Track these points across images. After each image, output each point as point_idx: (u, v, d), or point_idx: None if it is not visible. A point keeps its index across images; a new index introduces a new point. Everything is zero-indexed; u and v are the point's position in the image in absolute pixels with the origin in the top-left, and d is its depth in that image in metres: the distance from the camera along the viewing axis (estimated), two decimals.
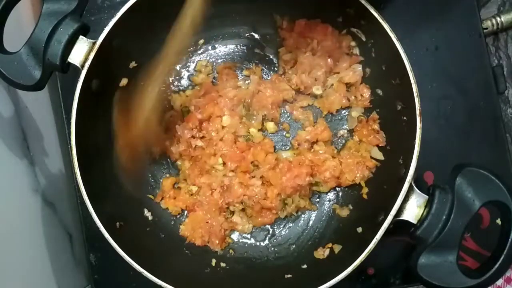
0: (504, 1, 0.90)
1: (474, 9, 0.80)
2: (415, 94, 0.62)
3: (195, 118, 0.76)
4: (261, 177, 0.75)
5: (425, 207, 0.59)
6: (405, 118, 0.67)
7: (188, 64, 0.81)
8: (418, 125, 0.61)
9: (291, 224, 0.78)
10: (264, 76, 0.80)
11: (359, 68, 0.76)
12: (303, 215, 0.78)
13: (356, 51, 0.76)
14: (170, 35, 0.63)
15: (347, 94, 0.77)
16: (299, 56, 0.77)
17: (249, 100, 0.78)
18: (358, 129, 0.77)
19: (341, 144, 0.78)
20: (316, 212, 0.78)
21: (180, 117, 0.78)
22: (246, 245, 0.78)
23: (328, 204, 0.78)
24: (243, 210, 0.77)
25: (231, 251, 0.77)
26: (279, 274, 0.72)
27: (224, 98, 0.77)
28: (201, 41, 0.80)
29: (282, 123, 0.79)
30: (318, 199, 0.78)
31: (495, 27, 0.85)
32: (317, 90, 0.77)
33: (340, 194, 0.78)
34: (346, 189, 0.77)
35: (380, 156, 0.74)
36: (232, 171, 0.76)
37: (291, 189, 0.74)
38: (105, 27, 0.65)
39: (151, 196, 0.78)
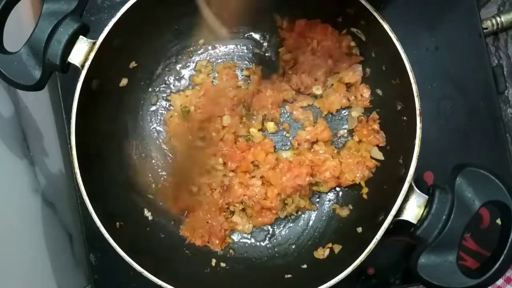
0: (504, 1, 0.90)
1: (474, 9, 0.80)
2: (415, 94, 0.62)
3: (195, 119, 0.76)
4: (261, 177, 0.75)
5: (425, 207, 0.59)
6: (405, 118, 0.67)
7: (188, 64, 0.81)
8: (418, 125, 0.61)
9: (291, 224, 0.78)
10: (264, 76, 0.80)
11: (359, 68, 0.76)
12: (303, 215, 0.78)
13: (356, 51, 0.76)
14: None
15: (347, 94, 0.77)
16: (299, 56, 0.77)
17: (249, 100, 0.78)
18: (358, 129, 0.77)
19: (341, 144, 0.78)
20: (316, 212, 0.78)
21: (180, 117, 0.78)
22: (246, 245, 0.78)
23: (328, 204, 0.78)
24: (243, 210, 0.77)
25: (231, 251, 0.77)
26: (279, 274, 0.72)
27: (224, 98, 0.77)
28: (201, 41, 0.80)
29: (282, 123, 0.79)
30: (318, 199, 0.78)
31: (495, 27, 0.85)
32: (317, 90, 0.77)
33: (340, 194, 0.78)
34: (346, 189, 0.77)
35: (380, 156, 0.74)
36: (232, 171, 0.76)
37: (291, 189, 0.74)
38: (105, 27, 0.65)
39: (151, 196, 0.78)
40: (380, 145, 0.74)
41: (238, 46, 0.81)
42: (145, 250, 0.69)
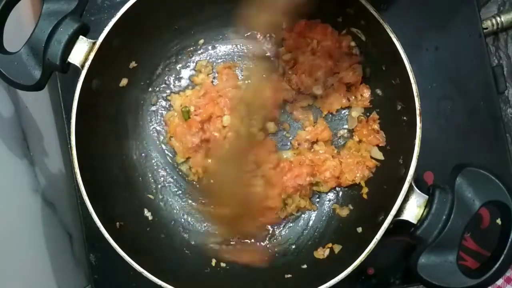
0: (504, 1, 0.90)
1: (474, 9, 0.80)
2: (415, 94, 0.62)
3: (196, 121, 0.76)
4: (263, 176, 0.75)
5: (425, 207, 0.59)
6: (405, 118, 0.67)
7: (188, 64, 0.81)
8: (418, 125, 0.61)
9: (291, 224, 0.78)
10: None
11: (359, 68, 0.76)
12: (303, 215, 0.78)
13: (356, 51, 0.76)
14: None
15: (347, 94, 0.77)
16: (299, 56, 0.77)
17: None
18: (358, 129, 0.77)
19: (341, 144, 0.78)
20: (316, 212, 0.78)
21: (180, 117, 0.78)
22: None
23: (328, 204, 0.78)
24: None
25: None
26: (279, 274, 0.72)
27: (224, 98, 0.77)
28: (201, 41, 0.80)
29: (282, 123, 0.79)
30: (318, 199, 0.78)
31: (495, 27, 0.85)
32: (317, 90, 0.77)
33: (340, 194, 0.78)
34: (346, 189, 0.77)
35: (380, 156, 0.74)
36: None
37: (291, 189, 0.74)
38: (105, 27, 0.65)
39: (151, 196, 0.78)
40: (380, 145, 0.74)
41: (238, 46, 0.80)
42: (145, 250, 0.69)
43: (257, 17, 0.62)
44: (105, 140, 0.73)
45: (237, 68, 0.80)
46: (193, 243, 0.76)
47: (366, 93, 0.76)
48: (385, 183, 0.69)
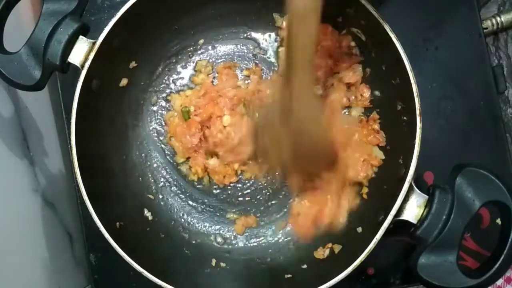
0: (504, 1, 0.90)
1: (474, 9, 0.80)
2: (415, 94, 0.62)
3: (196, 121, 0.76)
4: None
5: (425, 207, 0.59)
6: (405, 118, 0.67)
7: (188, 64, 0.81)
8: (418, 125, 0.61)
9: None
10: (264, 76, 0.80)
11: (359, 68, 0.76)
12: None
13: (356, 51, 0.76)
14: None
15: (347, 94, 0.77)
16: None
17: (249, 100, 0.78)
18: (358, 129, 0.77)
19: None
20: None
21: (180, 117, 0.78)
22: (246, 245, 0.78)
23: None
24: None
25: (230, 251, 0.77)
26: (279, 274, 0.72)
27: (224, 98, 0.77)
28: (201, 41, 0.80)
29: None
30: None
31: (495, 27, 0.85)
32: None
33: None
34: None
35: (380, 155, 0.74)
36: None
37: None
38: (105, 27, 0.65)
39: (151, 196, 0.78)
40: (380, 145, 0.74)
41: (238, 46, 0.80)
42: (145, 250, 0.69)
43: None
44: (105, 140, 0.73)
45: (237, 68, 0.80)
46: (193, 243, 0.76)
47: (366, 93, 0.76)
48: (385, 183, 0.69)
